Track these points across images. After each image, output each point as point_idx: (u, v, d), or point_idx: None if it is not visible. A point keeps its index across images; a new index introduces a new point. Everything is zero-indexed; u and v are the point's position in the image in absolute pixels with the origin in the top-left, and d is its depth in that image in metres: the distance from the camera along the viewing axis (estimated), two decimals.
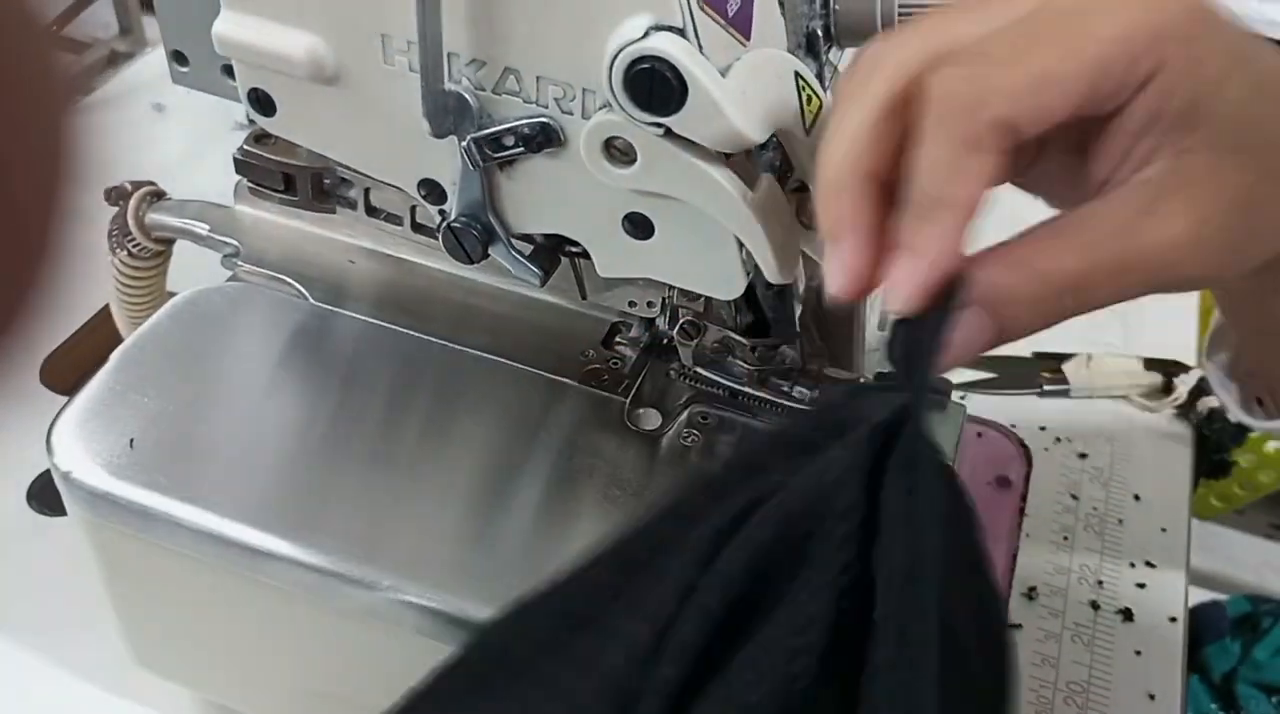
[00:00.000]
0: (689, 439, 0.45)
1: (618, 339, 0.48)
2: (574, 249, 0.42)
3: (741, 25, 0.36)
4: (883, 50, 0.30)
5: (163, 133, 0.83)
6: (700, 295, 0.44)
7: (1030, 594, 0.58)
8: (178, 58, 0.47)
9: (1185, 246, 0.29)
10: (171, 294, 0.54)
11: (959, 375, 0.69)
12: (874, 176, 0.29)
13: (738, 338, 0.44)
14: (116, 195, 0.52)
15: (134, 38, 1.18)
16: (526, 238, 0.42)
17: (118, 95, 0.88)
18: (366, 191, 0.47)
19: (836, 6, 0.41)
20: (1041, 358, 0.72)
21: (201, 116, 0.84)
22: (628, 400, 0.45)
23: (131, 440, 0.42)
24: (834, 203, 0.30)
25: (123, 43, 1.20)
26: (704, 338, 0.45)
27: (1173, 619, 0.57)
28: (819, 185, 0.30)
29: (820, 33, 0.42)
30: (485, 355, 0.46)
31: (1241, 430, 0.71)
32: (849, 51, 0.45)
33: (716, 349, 0.45)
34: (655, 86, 0.33)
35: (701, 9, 0.34)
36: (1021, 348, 0.72)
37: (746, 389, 0.45)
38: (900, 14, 0.41)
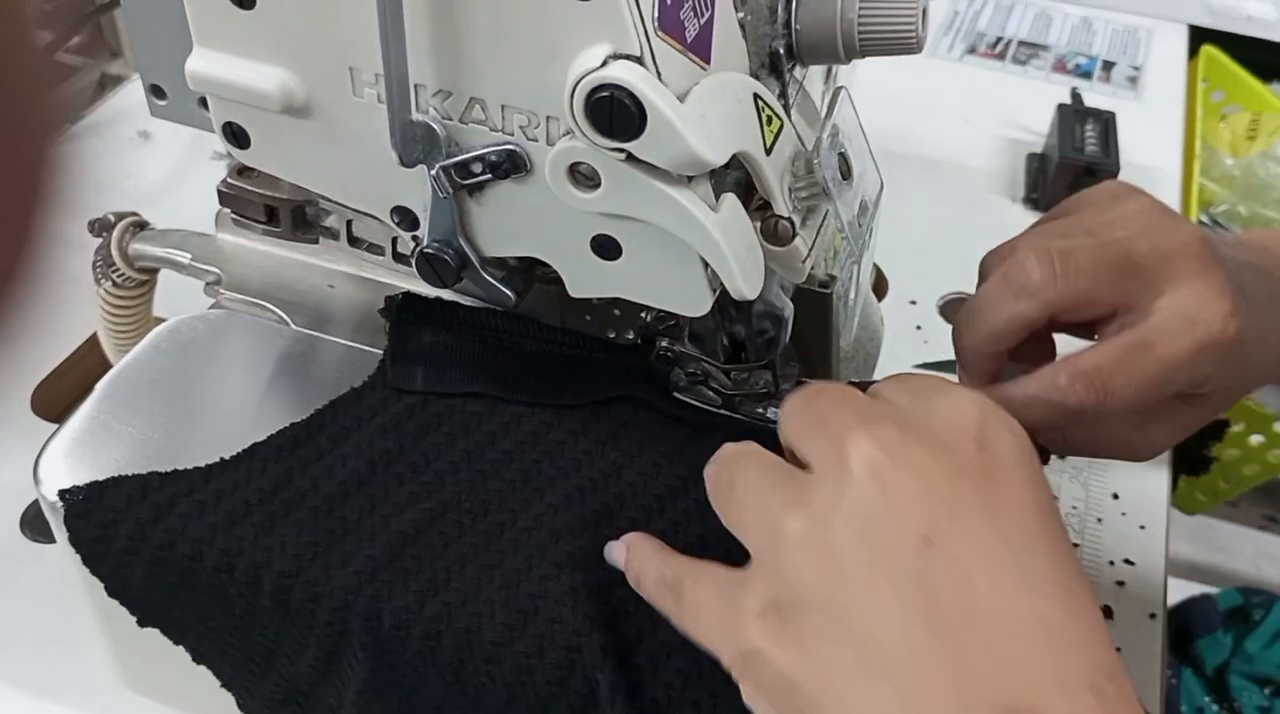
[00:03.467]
0: None
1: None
2: (549, 272, 0.43)
3: (700, 49, 0.37)
4: None
5: (148, 159, 0.84)
6: (676, 325, 0.45)
7: None
8: (156, 91, 0.48)
9: None
10: (159, 320, 0.55)
11: None
12: None
13: (713, 365, 0.45)
14: (100, 227, 0.53)
15: (124, 61, 1.19)
16: (499, 261, 0.43)
17: (104, 122, 0.89)
18: (349, 223, 0.48)
19: (798, 26, 0.42)
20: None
21: (187, 143, 0.85)
22: None
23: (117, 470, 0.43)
24: None
25: (113, 65, 1.21)
26: (681, 365, 0.45)
27: (1152, 616, 0.57)
28: None
29: (783, 51, 0.43)
30: None
31: (1219, 426, 0.71)
32: (813, 70, 0.46)
33: (693, 376, 0.46)
34: (615, 114, 0.34)
35: (658, 36, 0.35)
36: None
37: (722, 412, 0.46)
38: (860, 33, 0.42)
